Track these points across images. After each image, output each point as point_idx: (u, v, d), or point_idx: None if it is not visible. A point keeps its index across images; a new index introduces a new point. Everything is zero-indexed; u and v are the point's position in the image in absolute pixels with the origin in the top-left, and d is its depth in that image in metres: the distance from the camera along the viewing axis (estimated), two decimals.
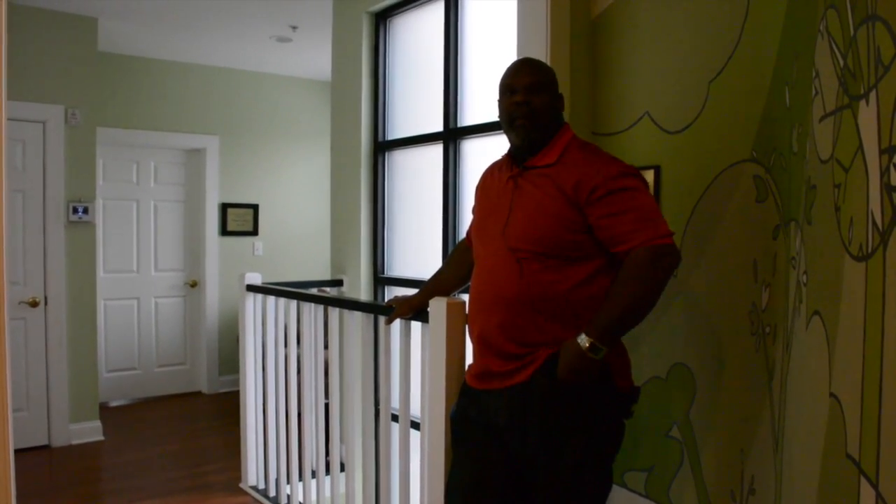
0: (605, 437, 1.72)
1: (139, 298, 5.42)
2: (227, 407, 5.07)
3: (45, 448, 4.19)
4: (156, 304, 5.50)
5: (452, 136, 3.12)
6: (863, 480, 0.89)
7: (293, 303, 3.16)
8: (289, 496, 3.21)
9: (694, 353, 2.00)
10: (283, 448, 3.25)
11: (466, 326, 1.94)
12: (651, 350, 2.10)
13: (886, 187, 0.86)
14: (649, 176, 2.07)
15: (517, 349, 1.70)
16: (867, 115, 0.93)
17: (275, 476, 3.35)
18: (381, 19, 3.59)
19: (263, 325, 3.38)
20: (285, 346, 3.26)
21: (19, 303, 4.07)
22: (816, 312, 1.16)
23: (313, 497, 3.14)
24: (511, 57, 2.08)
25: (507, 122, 1.78)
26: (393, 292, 3.49)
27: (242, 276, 3.44)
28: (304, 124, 5.92)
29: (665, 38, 2.09)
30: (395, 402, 2.62)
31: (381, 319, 2.52)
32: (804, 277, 1.28)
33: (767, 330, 1.72)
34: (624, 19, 2.20)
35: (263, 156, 5.78)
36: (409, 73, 3.51)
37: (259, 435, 3.47)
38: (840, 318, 1.02)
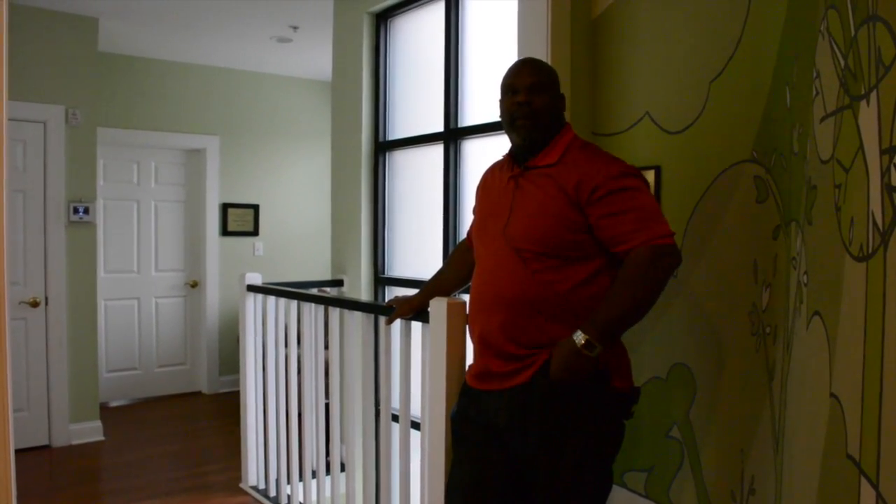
0: (605, 438, 1.71)
1: (139, 298, 5.42)
2: (228, 407, 5.07)
3: (45, 448, 4.19)
4: (156, 304, 5.50)
5: (453, 136, 3.12)
6: (863, 481, 0.89)
7: (293, 303, 3.16)
8: (289, 496, 3.21)
9: (694, 353, 2.00)
10: (283, 448, 3.25)
11: (467, 327, 1.94)
12: (651, 350, 2.10)
13: (887, 187, 0.86)
14: (650, 176, 2.07)
15: (517, 350, 1.70)
16: (868, 115, 0.94)
17: (275, 476, 3.35)
18: (382, 20, 3.59)
19: (264, 325, 3.38)
20: (285, 346, 3.27)
21: (20, 303, 4.07)
22: (817, 313, 1.16)
23: (313, 497, 3.14)
24: (511, 57, 2.08)
25: (508, 122, 1.78)
26: (393, 292, 3.49)
27: (243, 277, 3.44)
28: (304, 124, 5.92)
29: (665, 38, 2.09)
30: (396, 403, 2.62)
31: (382, 320, 2.52)
32: (805, 278, 1.28)
33: (768, 330, 1.72)
34: (624, 19, 2.20)
35: (264, 156, 5.79)
36: (410, 74, 3.51)
37: (259, 435, 3.47)
38: (840, 318, 1.02)
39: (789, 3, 1.68)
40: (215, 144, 5.56)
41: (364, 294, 3.57)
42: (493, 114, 1.96)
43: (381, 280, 3.58)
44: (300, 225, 5.94)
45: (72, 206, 4.23)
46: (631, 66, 2.19)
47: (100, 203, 4.68)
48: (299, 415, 3.13)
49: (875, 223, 0.89)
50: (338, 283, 3.70)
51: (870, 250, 0.91)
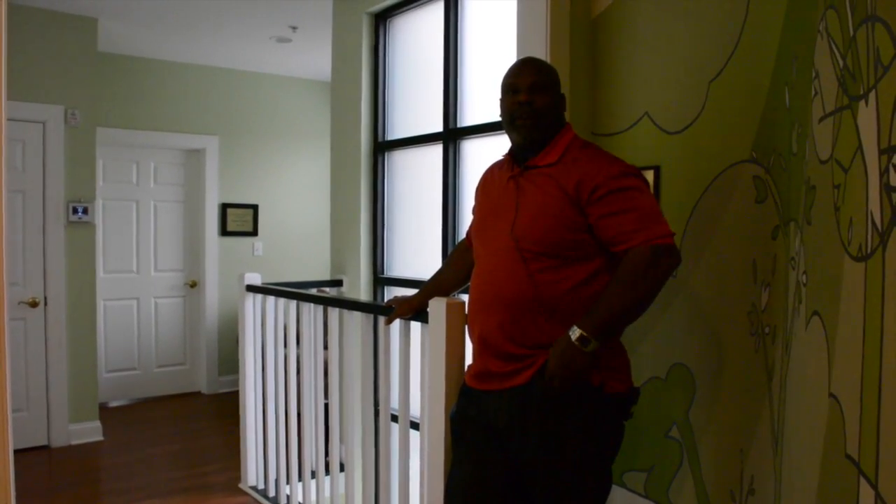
0: (604, 438, 1.71)
1: (139, 299, 5.42)
2: (227, 407, 5.06)
3: (44, 448, 4.19)
4: (155, 304, 5.50)
5: (452, 136, 3.12)
6: (862, 481, 0.89)
7: (293, 303, 3.16)
8: (288, 496, 3.21)
9: (694, 353, 2.00)
10: (282, 448, 3.25)
11: (466, 326, 1.94)
12: (651, 350, 2.10)
13: (886, 188, 0.86)
14: (649, 176, 2.07)
15: (517, 350, 1.70)
16: (866, 115, 0.94)
17: (274, 476, 3.35)
18: (381, 20, 3.59)
19: (263, 325, 3.38)
20: (285, 346, 3.26)
21: (19, 303, 4.07)
22: (816, 313, 1.16)
23: (313, 497, 3.14)
24: (511, 57, 2.08)
25: (508, 122, 1.78)
26: (392, 292, 3.49)
27: (242, 277, 3.44)
28: (303, 124, 5.92)
29: (665, 38, 2.09)
30: (395, 403, 2.62)
31: (381, 320, 2.52)
32: (804, 278, 1.28)
33: (767, 330, 1.72)
34: (624, 19, 2.20)
35: (263, 156, 5.79)
36: (409, 74, 3.51)
37: (259, 435, 3.46)
38: (839, 318, 1.02)
39: (788, 3, 1.68)
40: (215, 144, 5.56)
41: (363, 294, 3.57)
42: (493, 114, 1.96)
43: (380, 280, 3.58)
44: (299, 225, 5.94)
45: (71, 206, 4.23)
46: (630, 66, 2.19)
47: (99, 203, 4.68)
48: (298, 415, 3.13)
49: (874, 223, 0.89)
50: (337, 283, 3.70)
51: (868, 250, 0.91)
